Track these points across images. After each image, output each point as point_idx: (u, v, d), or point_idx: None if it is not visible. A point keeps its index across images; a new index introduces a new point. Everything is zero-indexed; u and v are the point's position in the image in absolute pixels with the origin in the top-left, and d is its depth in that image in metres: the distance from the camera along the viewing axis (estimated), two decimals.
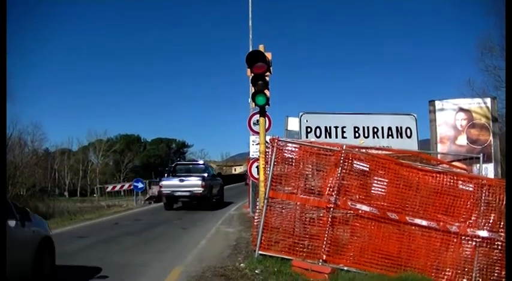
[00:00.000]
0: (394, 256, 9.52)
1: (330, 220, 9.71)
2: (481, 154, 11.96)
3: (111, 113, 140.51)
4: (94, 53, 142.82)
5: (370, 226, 9.70)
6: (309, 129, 12.53)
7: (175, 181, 26.18)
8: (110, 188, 40.76)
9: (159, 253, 12.75)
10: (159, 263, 11.34)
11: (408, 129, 12.87)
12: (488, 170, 12.79)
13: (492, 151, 13.08)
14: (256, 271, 9.59)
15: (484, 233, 9.42)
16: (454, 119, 13.40)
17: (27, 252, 8.41)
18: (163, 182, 26.58)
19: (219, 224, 19.73)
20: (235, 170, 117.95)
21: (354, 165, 9.86)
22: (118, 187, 40.67)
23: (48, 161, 70.37)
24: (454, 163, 11.93)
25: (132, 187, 35.82)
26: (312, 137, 12.22)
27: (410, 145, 12.56)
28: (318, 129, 12.53)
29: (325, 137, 12.46)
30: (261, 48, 11.26)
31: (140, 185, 34.93)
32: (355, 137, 12.58)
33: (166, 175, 29.28)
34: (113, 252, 13.07)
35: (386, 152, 10.80)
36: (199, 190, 25.58)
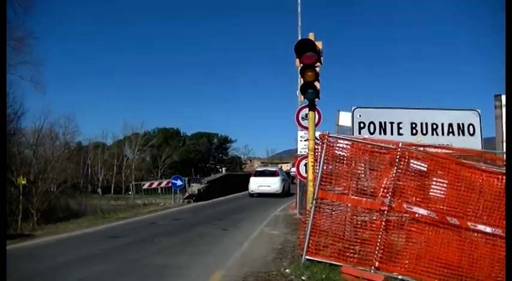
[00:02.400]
0: (454, 265, 9.35)
1: (383, 223, 9.63)
2: None
3: (148, 105, 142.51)
4: (132, 43, 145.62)
5: (428, 231, 9.57)
6: (362, 125, 12.40)
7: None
8: (146, 185, 41.26)
9: (198, 255, 12.90)
10: (198, 266, 11.48)
11: (471, 126, 12.54)
12: None
13: None
14: (302, 278, 9.60)
15: None
16: None
17: None
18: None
19: (263, 225, 19.77)
20: (281, 169, 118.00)
21: (411, 164, 9.74)
22: (155, 184, 41.11)
23: (80, 155, 71.54)
24: None
25: (170, 184, 36.17)
26: (365, 134, 12.10)
27: (473, 143, 12.25)
28: (371, 125, 12.39)
29: (380, 133, 12.30)
30: (311, 36, 11.20)
31: (179, 182, 35.23)
32: (412, 134, 12.38)
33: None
34: (148, 253, 13.30)
35: (447, 151, 10.57)
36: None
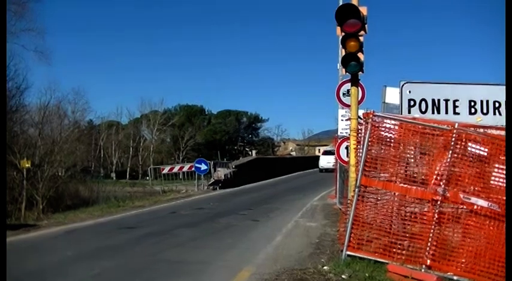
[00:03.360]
0: None
1: (436, 216, 9.60)
2: None
3: (169, 79, 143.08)
4: (150, 5, 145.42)
5: (488, 225, 9.50)
6: (412, 103, 12.32)
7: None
8: (166, 169, 41.67)
9: (224, 250, 13.04)
10: (223, 262, 11.61)
11: None
12: None
13: None
14: (342, 276, 9.65)
15: None
16: None
17: None
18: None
19: (299, 216, 19.88)
20: (319, 151, 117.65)
21: (469, 148, 9.66)
22: (176, 168, 41.57)
23: (92, 135, 72.26)
24: None
25: (193, 168, 36.46)
26: (415, 112, 12.03)
27: None
28: (423, 102, 12.30)
29: (433, 112, 12.20)
30: (354, 1, 11.14)
31: (203, 166, 35.49)
32: (470, 113, 12.24)
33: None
34: (167, 247, 13.50)
35: None
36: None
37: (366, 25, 11.14)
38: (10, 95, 33.10)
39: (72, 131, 48.60)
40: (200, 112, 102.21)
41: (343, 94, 17.86)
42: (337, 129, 20.18)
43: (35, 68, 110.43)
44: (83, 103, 66.34)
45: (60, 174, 38.69)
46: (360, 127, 10.53)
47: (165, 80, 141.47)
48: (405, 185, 9.90)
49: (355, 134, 10.87)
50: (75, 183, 39.49)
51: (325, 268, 10.35)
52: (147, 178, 52.76)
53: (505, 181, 9.52)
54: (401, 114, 11.87)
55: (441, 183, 9.59)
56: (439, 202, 9.58)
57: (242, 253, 12.64)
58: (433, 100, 12.33)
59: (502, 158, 9.54)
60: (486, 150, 9.62)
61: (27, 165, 29.65)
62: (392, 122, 10.25)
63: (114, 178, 67.95)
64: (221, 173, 36.22)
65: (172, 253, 12.61)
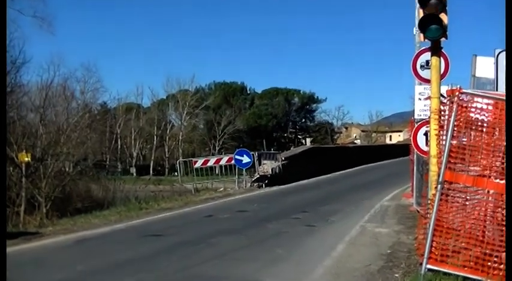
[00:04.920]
0: None
1: None
2: None
3: (201, 51, 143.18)
4: None
5: None
6: None
7: None
8: (199, 163, 41.66)
9: (273, 263, 13.09)
10: (273, 279, 11.62)
11: None
12: None
13: None
14: None
15: None
16: None
17: None
18: None
19: (365, 220, 19.85)
20: (390, 139, 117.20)
21: None
22: (212, 161, 41.57)
23: (106, 122, 72.56)
24: None
25: (232, 161, 36.50)
26: None
27: None
28: None
29: None
30: None
31: (245, 159, 35.50)
32: None
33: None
34: (203, 259, 13.57)
35: None
36: None
37: None
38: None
39: (82, 117, 48.77)
40: (240, 91, 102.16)
41: (421, 67, 17.70)
42: (413, 111, 20.03)
43: (35, 38, 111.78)
44: (94, 82, 66.61)
45: (67, 170, 38.82)
46: (442, 108, 10.45)
47: (197, 54, 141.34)
48: (502, 182, 9.80)
49: (437, 116, 10.78)
50: (86, 181, 39.76)
51: None
52: (176, 173, 52.94)
53: None
54: (496, 90, 11.74)
55: None
56: None
57: (295, 266, 12.68)
58: None
59: None
60: None
61: (26, 159, 29.66)
62: (485, 101, 10.14)
63: (135, 174, 68.37)
64: (267, 166, 36.28)
65: (210, 267, 12.68)
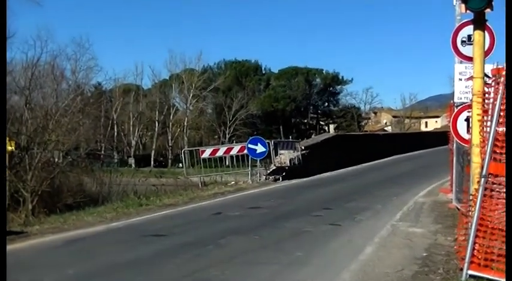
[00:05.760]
0: None
1: None
2: None
3: (210, 24, 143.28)
4: None
5: None
6: None
7: None
8: (207, 153, 41.61)
9: (291, 267, 13.10)
10: None
11: None
12: None
13: None
14: None
15: None
16: None
17: None
18: None
19: (397, 219, 19.81)
20: (426, 126, 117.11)
21: None
22: (221, 151, 41.51)
23: (101, 105, 72.24)
24: None
25: (245, 151, 36.45)
26: None
27: None
28: None
29: None
30: None
31: (260, 148, 35.47)
32: None
33: None
34: (211, 262, 13.59)
35: None
36: None
37: None
38: None
39: (73, 100, 48.43)
40: (254, 71, 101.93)
41: (462, 42, 17.60)
42: (452, 94, 19.96)
43: (20, 9, 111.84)
44: (87, 59, 66.57)
45: (56, 160, 38.83)
46: (487, 89, 10.41)
47: (204, 29, 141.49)
48: None
49: (480, 99, 10.74)
50: (78, 173, 39.73)
51: None
52: (180, 165, 52.97)
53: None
54: None
55: None
56: None
57: (318, 271, 12.68)
58: None
59: None
60: None
61: (9, 147, 29.70)
62: None
63: (134, 166, 68.52)
64: (285, 157, 36.27)
65: (219, 272, 12.65)
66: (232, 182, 34.81)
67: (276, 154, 36.60)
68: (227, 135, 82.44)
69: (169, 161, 72.79)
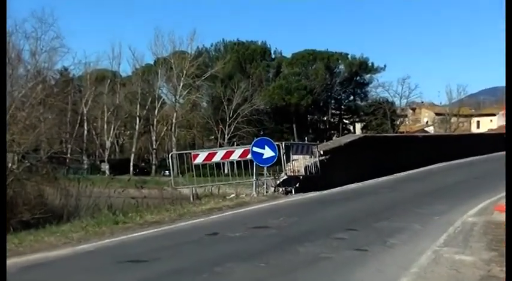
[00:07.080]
0: None
1: None
2: None
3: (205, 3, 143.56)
4: None
5: None
6: None
7: None
8: (201, 157, 41.57)
9: None
10: None
11: None
12: None
13: None
14: None
15: None
16: None
17: None
18: None
19: (441, 243, 19.73)
20: (478, 126, 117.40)
21: None
22: (219, 155, 41.49)
23: (68, 96, 72.90)
24: None
25: (249, 155, 36.40)
26: None
27: None
28: None
29: None
30: None
31: (268, 152, 35.37)
32: None
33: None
34: None
35: None
36: None
37: None
38: None
39: (33, 89, 48.44)
40: (262, 55, 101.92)
41: None
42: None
43: None
44: (51, 39, 66.57)
45: (10, 165, 38.39)
46: None
47: (197, 5, 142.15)
48: None
49: None
50: (37, 181, 39.79)
51: None
52: (167, 172, 53.15)
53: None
54: None
55: None
56: None
57: None
58: None
59: None
60: None
61: None
62: None
63: (108, 173, 68.79)
64: (299, 164, 36.28)
65: None
66: (233, 195, 34.82)
67: (288, 160, 36.52)
68: (226, 136, 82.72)
69: (153, 167, 73.16)
